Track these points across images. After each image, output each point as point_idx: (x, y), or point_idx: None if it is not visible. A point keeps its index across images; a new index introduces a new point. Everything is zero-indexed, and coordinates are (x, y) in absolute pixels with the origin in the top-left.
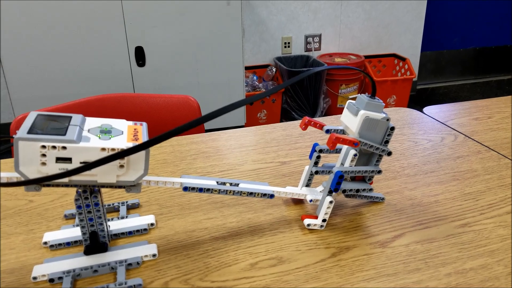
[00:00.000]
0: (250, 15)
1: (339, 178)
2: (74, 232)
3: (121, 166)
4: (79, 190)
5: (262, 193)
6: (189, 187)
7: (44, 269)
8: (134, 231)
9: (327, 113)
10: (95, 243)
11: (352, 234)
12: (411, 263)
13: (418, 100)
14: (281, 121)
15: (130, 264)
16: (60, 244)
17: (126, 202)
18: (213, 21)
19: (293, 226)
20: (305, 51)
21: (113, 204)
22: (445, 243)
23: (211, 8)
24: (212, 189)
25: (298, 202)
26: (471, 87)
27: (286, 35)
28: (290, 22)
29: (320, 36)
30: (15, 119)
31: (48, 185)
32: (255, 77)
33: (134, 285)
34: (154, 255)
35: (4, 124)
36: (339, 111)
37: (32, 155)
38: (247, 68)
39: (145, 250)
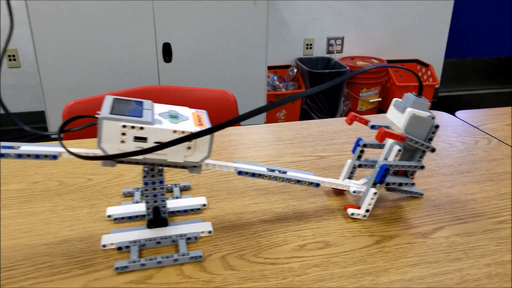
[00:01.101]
0: (273, 15)
1: (385, 171)
2: (134, 208)
3: (189, 147)
4: (146, 168)
5: (309, 182)
6: (243, 171)
7: (112, 239)
8: (189, 209)
9: (346, 116)
10: (157, 217)
11: (394, 225)
12: (451, 253)
13: (440, 107)
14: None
15: (189, 238)
16: (122, 218)
17: (179, 184)
18: (239, 20)
19: (337, 214)
20: (327, 53)
21: (167, 185)
22: (483, 237)
23: (238, 7)
24: (263, 174)
25: (339, 193)
26: (494, 96)
27: (308, 36)
28: (313, 24)
29: (342, 38)
30: (67, 105)
31: (122, 162)
32: (275, 77)
33: (195, 256)
34: (209, 232)
35: (36, 112)
36: (360, 114)
37: (113, 133)
38: (267, 67)
39: (201, 227)
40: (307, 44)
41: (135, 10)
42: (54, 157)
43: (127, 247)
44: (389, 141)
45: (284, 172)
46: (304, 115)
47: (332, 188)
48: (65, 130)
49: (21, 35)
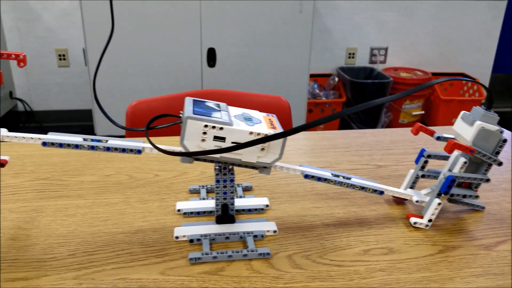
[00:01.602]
0: (316, 23)
1: (451, 182)
2: (201, 204)
3: (263, 149)
4: (217, 167)
5: (373, 189)
6: (309, 175)
7: (184, 231)
8: (253, 209)
9: (388, 127)
10: (225, 214)
11: (456, 236)
12: None
13: None
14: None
15: (255, 236)
16: (191, 212)
17: (241, 184)
18: (284, 27)
19: (399, 222)
20: (369, 63)
21: None
22: None
23: (284, 15)
24: (328, 179)
25: (399, 202)
26: None
27: (351, 45)
28: (356, 33)
29: (386, 49)
30: (131, 105)
31: (198, 159)
32: (315, 85)
33: (263, 253)
34: (274, 231)
35: (83, 110)
36: (401, 126)
37: (196, 132)
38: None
39: (266, 226)
40: (350, 54)
41: (183, 15)
42: (139, 151)
43: (198, 240)
44: (454, 153)
45: (348, 178)
46: (343, 125)
47: (392, 196)
48: (151, 127)
49: (71, 36)
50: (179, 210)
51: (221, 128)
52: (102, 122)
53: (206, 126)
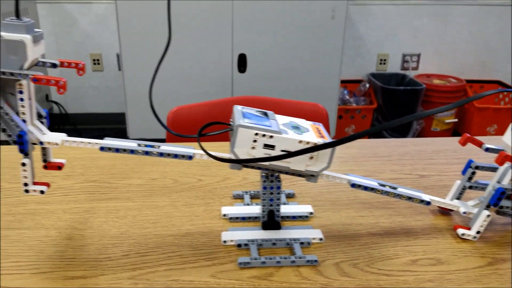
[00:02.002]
0: (348, 29)
1: (501, 194)
2: (246, 209)
3: (311, 157)
4: (264, 174)
5: (420, 199)
6: (356, 184)
7: (231, 236)
8: (297, 216)
9: (419, 135)
10: (271, 220)
11: (506, 248)
12: None
13: None
14: (369, 139)
15: (302, 243)
16: (237, 218)
17: (284, 191)
18: (316, 34)
19: (445, 234)
20: (401, 70)
21: None
22: None
23: (316, 21)
24: (375, 188)
25: (445, 213)
26: None
27: (383, 51)
28: (389, 39)
29: (419, 55)
30: (171, 110)
31: (246, 166)
32: (345, 91)
33: (311, 260)
34: (320, 239)
35: (116, 113)
36: (433, 134)
37: (246, 140)
38: None
39: (312, 233)
40: (381, 60)
41: (215, 21)
42: (190, 157)
43: (246, 245)
44: (503, 165)
45: (395, 188)
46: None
47: (438, 207)
48: (203, 134)
49: (105, 41)
50: (224, 215)
51: (271, 137)
52: (135, 125)
53: (256, 134)
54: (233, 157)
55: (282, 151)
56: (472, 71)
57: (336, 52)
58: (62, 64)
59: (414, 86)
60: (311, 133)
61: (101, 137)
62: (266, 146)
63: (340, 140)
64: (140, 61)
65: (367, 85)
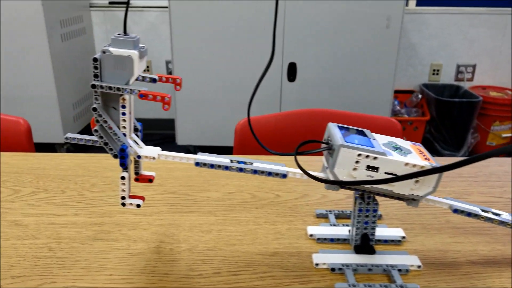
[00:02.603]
0: (401, 38)
1: None
2: (334, 230)
3: (417, 181)
4: (357, 195)
5: None
6: (459, 210)
7: (323, 259)
8: (389, 240)
9: (474, 150)
10: (365, 244)
11: None
12: None
13: None
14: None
15: (399, 270)
16: (325, 239)
17: None
18: (369, 43)
19: None
20: (455, 81)
21: (350, 211)
22: None
23: (369, 30)
24: (479, 215)
25: None
26: None
27: (437, 62)
28: (442, 49)
29: (474, 66)
30: (239, 122)
31: (342, 187)
32: (396, 102)
33: None
34: (419, 266)
35: (165, 119)
36: (488, 148)
37: (348, 161)
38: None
39: (409, 260)
40: (434, 70)
41: (266, 29)
42: (284, 175)
43: (340, 269)
44: None
45: (498, 215)
46: (426, 145)
47: None
48: (300, 153)
49: (156, 49)
50: (311, 235)
51: (375, 158)
52: (184, 131)
53: (359, 155)
54: (331, 177)
55: (386, 173)
56: None
57: (390, 62)
58: (160, 79)
59: (470, 98)
60: (415, 154)
61: (149, 143)
62: (369, 167)
63: (455, 164)
64: (190, 67)
65: (420, 96)
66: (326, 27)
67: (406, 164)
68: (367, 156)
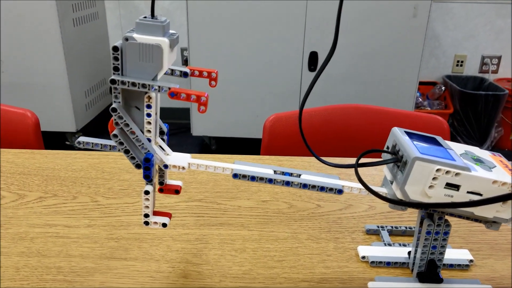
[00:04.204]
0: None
1: None
2: (389, 252)
3: (504, 202)
4: (424, 214)
5: None
6: None
7: None
8: (455, 264)
9: (497, 144)
10: (432, 271)
11: None
12: None
13: None
14: None
15: None
16: (380, 262)
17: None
18: (394, 33)
19: None
20: (479, 73)
21: (405, 227)
22: None
23: (395, 19)
24: None
25: None
26: None
27: (461, 53)
28: (467, 40)
29: (500, 58)
30: (268, 119)
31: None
32: (418, 93)
33: None
34: None
35: (180, 108)
36: (511, 143)
37: (423, 176)
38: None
39: None
40: (458, 61)
41: (288, 17)
42: (339, 191)
43: None
44: None
45: None
46: (447, 138)
47: None
48: (361, 164)
49: None
50: (363, 257)
51: (457, 174)
52: (199, 121)
53: (438, 170)
54: (399, 194)
55: (468, 192)
56: None
57: (416, 52)
58: (192, 73)
59: (495, 91)
60: (500, 169)
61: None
62: (449, 185)
63: None
64: (207, 56)
65: (443, 88)
66: (351, 14)
67: (494, 181)
68: (447, 172)
